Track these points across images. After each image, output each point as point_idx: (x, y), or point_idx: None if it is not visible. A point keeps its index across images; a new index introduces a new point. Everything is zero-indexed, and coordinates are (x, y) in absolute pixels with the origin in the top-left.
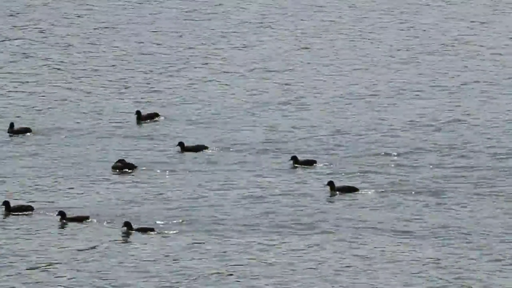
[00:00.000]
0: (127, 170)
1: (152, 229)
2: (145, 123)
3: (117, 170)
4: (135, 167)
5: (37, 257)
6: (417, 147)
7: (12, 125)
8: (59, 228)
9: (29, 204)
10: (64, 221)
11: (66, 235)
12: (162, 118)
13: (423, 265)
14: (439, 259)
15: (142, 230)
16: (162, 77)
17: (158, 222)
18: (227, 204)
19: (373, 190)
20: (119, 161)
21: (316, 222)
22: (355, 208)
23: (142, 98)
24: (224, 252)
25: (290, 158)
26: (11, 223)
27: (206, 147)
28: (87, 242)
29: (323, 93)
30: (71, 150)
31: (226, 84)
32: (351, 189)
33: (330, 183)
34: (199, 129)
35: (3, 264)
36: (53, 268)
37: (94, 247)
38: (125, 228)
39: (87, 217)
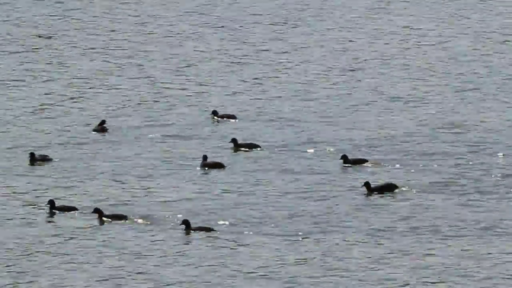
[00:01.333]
0: (215, 168)
1: (210, 229)
2: (221, 123)
3: (206, 168)
4: (224, 166)
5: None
6: (465, 149)
7: (103, 122)
8: (99, 225)
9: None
10: (103, 218)
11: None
12: (237, 119)
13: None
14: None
15: (200, 229)
16: (240, 77)
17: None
18: (275, 203)
19: (413, 190)
20: (215, 162)
21: (351, 221)
22: (389, 208)
23: (219, 98)
24: (274, 251)
25: (340, 157)
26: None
27: (258, 146)
28: (143, 240)
29: (380, 94)
30: (148, 149)
31: (302, 84)
32: (388, 189)
33: (366, 184)
34: (273, 129)
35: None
36: (111, 266)
37: (149, 246)
38: (183, 226)
39: (125, 217)
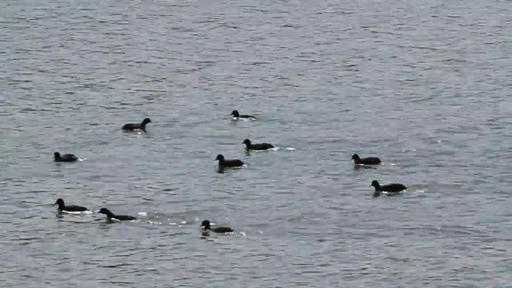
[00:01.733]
0: (233, 166)
1: (229, 229)
2: (242, 122)
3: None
4: (242, 163)
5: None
6: (488, 148)
7: (147, 121)
8: (108, 225)
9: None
10: (112, 219)
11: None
12: (258, 118)
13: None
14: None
15: (220, 230)
16: (262, 77)
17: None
18: (290, 204)
19: (422, 190)
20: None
21: (362, 222)
22: (399, 208)
23: (240, 97)
24: (294, 252)
25: (351, 157)
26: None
27: (271, 146)
28: (159, 239)
29: (395, 92)
30: (169, 148)
31: (325, 84)
32: (397, 188)
33: (375, 183)
34: (291, 128)
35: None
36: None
37: (165, 245)
38: (203, 227)
39: (132, 218)
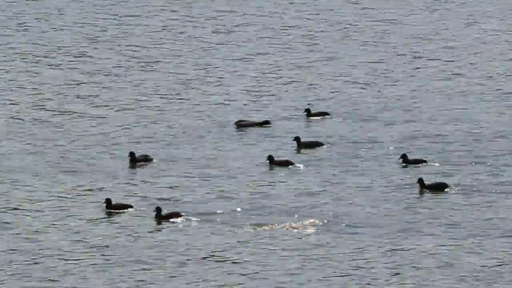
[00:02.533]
0: (283, 166)
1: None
2: (315, 120)
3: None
4: (292, 163)
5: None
6: None
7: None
8: (156, 224)
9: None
10: (158, 218)
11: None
12: (330, 116)
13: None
14: None
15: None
16: (334, 76)
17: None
18: (332, 203)
19: (462, 189)
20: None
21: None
22: (442, 206)
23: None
24: (341, 250)
25: (399, 156)
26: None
27: (321, 144)
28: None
29: (447, 92)
30: (231, 145)
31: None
32: (441, 187)
33: (420, 181)
34: (366, 127)
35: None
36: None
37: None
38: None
39: (179, 214)
